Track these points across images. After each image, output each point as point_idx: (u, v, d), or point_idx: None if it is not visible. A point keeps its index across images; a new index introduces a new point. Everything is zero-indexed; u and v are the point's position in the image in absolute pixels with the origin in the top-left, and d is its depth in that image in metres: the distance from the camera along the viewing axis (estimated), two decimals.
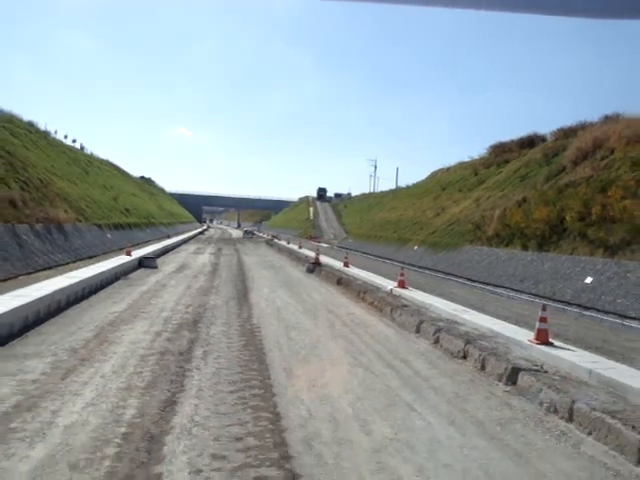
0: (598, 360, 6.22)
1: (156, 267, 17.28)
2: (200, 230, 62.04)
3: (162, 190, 77.21)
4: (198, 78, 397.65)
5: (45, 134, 28.14)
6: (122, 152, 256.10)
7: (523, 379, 5.72)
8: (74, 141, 36.58)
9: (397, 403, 5.20)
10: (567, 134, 21.45)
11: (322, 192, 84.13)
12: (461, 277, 17.31)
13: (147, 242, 27.76)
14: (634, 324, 9.56)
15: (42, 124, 28.07)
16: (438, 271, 19.43)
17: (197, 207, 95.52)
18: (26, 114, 26.00)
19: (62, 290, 9.45)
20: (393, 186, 59.08)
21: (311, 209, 69.68)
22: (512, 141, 27.45)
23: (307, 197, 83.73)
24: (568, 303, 11.72)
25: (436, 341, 7.88)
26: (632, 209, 12.33)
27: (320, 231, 55.45)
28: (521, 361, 6.25)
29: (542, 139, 24.98)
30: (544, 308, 7.09)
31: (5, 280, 10.70)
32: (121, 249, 19.70)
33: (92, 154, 39.73)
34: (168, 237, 34.64)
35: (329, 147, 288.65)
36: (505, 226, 17.50)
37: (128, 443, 3.93)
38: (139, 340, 7.27)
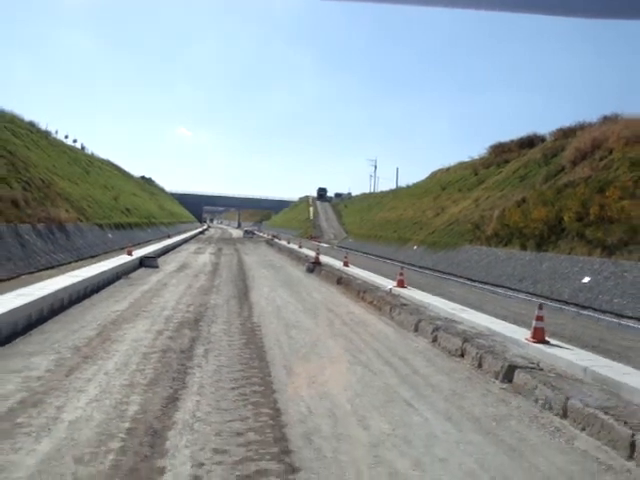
0: (593, 358, 6.32)
1: (157, 267, 17.38)
2: (200, 230, 62.12)
3: (162, 190, 77.30)
4: (198, 78, 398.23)
5: (46, 134, 28.25)
6: (122, 152, 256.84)
7: (519, 377, 5.82)
8: (75, 141, 36.71)
9: (395, 400, 5.30)
10: (566, 134, 21.53)
11: (322, 192, 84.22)
12: (460, 277, 17.40)
13: (148, 242, 27.85)
14: (631, 323, 9.65)
15: (43, 124, 28.24)
16: (437, 271, 19.52)
17: (197, 207, 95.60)
18: (27, 114, 26.26)
19: (65, 289, 9.55)
20: (393, 186, 59.24)
21: (311, 209, 69.82)
22: (512, 141, 27.55)
23: (307, 197, 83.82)
24: (566, 302, 11.81)
25: (434, 339, 7.98)
26: (630, 209, 12.42)
27: (320, 231, 55.56)
28: (518, 359, 6.35)
29: (541, 139, 25.07)
30: (541, 307, 7.18)
31: (8, 279, 10.80)
32: (122, 249, 19.81)
33: (93, 154, 39.85)
34: (169, 237, 34.73)
35: (329, 147, 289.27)
36: (504, 226, 17.59)
37: (132, 438, 4.03)
38: (141, 338, 7.36)
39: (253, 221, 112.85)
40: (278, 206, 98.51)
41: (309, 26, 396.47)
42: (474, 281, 16.27)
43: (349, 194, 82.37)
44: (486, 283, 15.52)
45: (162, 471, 3.56)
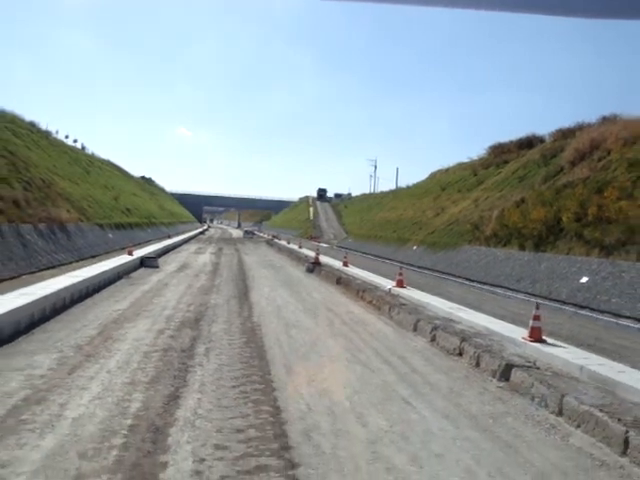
0: (589, 357, 6.40)
1: (157, 266, 17.45)
2: (200, 230, 62.20)
3: (162, 190, 77.36)
4: (198, 78, 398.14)
5: (46, 134, 28.33)
6: (122, 152, 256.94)
7: (516, 375, 5.90)
8: (75, 141, 36.75)
9: (393, 397, 5.37)
10: (565, 135, 21.64)
11: (322, 192, 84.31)
12: (459, 277, 17.48)
13: (148, 242, 27.93)
14: (628, 323, 9.73)
15: (43, 124, 28.33)
16: (437, 271, 19.60)
17: (197, 207, 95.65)
18: (27, 114, 26.32)
19: (66, 289, 9.63)
20: (393, 186, 59.36)
21: (311, 209, 69.88)
22: (511, 142, 27.66)
23: (307, 197, 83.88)
24: (564, 302, 11.89)
25: (433, 339, 8.06)
26: (627, 210, 12.51)
27: (320, 231, 55.63)
28: (515, 358, 6.43)
29: (540, 140, 25.17)
30: (537, 307, 7.26)
31: (10, 279, 10.87)
32: (123, 249, 19.88)
33: (93, 154, 39.92)
34: (169, 237, 34.81)
35: (329, 147, 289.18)
36: (503, 226, 17.68)
37: (134, 434, 4.10)
38: (142, 337, 7.43)
39: (253, 221, 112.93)
40: (278, 206, 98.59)
41: (309, 26, 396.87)
42: (473, 281, 16.35)
43: (349, 194, 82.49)
44: (485, 283, 15.60)
45: (164, 466, 3.63)
